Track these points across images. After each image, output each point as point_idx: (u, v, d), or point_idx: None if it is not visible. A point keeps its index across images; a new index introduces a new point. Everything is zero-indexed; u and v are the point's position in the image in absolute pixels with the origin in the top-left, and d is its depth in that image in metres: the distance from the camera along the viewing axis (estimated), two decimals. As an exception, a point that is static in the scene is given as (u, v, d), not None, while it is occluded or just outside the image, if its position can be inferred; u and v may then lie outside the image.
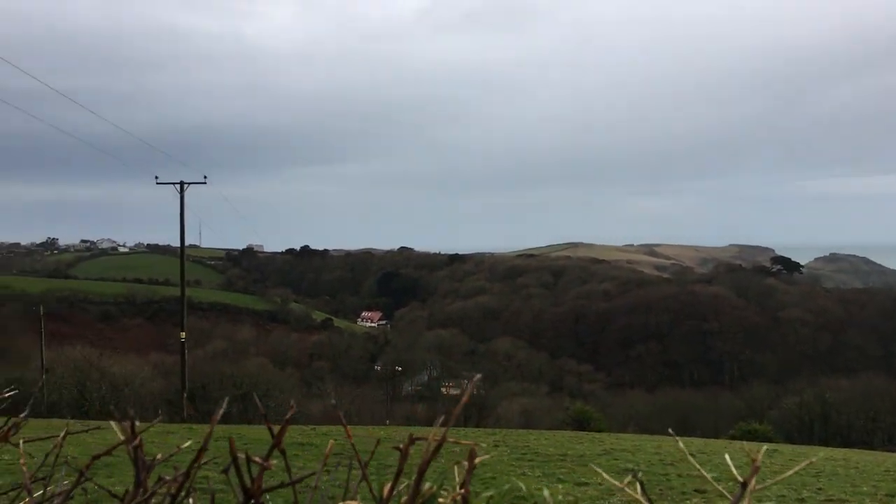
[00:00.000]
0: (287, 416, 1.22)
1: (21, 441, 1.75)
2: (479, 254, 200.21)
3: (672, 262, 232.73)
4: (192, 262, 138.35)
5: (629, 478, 1.32)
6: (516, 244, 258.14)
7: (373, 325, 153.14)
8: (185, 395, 41.82)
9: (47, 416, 34.73)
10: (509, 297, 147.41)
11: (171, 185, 42.72)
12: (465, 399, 1.16)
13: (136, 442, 1.21)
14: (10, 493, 1.76)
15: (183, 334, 42.43)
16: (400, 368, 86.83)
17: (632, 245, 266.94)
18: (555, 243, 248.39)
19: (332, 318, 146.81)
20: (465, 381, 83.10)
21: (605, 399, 78.34)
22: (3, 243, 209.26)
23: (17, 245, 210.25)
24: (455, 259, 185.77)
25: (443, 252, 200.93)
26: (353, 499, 1.27)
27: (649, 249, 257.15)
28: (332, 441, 1.83)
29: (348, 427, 1.36)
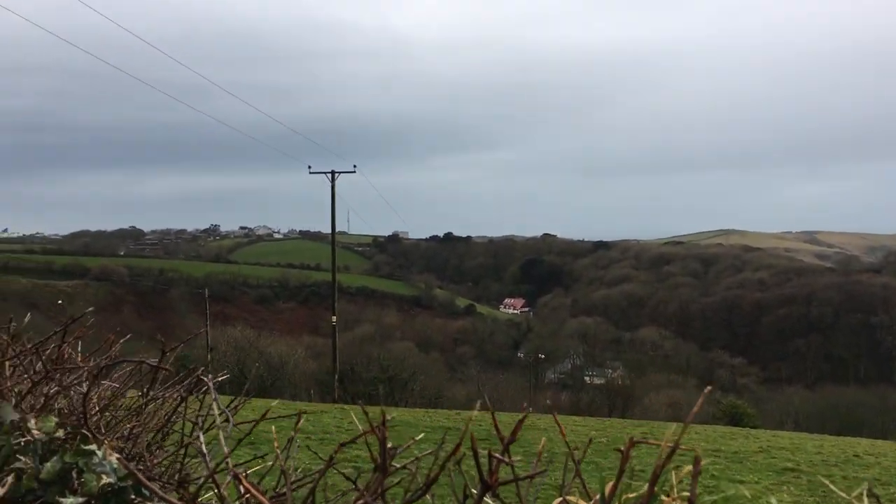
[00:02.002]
0: (520, 419, 1.32)
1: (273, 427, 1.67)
2: (624, 241, 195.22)
3: (835, 250, 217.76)
4: (342, 249, 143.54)
5: (860, 491, 1.31)
6: (663, 231, 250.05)
7: (515, 311, 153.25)
8: (337, 376, 43.33)
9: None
10: (655, 285, 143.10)
11: (323, 175, 44.29)
12: (696, 409, 1.19)
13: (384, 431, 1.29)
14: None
15: (334, 318, 43.96)
16: (543, 356, 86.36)
17: (790, 232, 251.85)
18: (705, 230, 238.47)
19: (475, 304, 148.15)
20: (610, 371, 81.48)
21: (759, 394, 74.55)
22: (171, 230, 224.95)
23: (184, 231, 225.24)
24: (599, 246, 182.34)
25: (587, 239, 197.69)
26: (569, 495, 1.33)
27: (809, 237, 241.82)
28: (544, 438, 1.66)
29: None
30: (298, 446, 1.94)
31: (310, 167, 44.38)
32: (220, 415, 1.74)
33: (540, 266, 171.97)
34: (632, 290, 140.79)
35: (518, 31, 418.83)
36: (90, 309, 2.27)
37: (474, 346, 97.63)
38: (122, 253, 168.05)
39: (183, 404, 2.20)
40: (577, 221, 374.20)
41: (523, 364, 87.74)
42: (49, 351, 2.17)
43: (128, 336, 2.72)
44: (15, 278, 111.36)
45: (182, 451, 2.15)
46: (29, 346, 2.15)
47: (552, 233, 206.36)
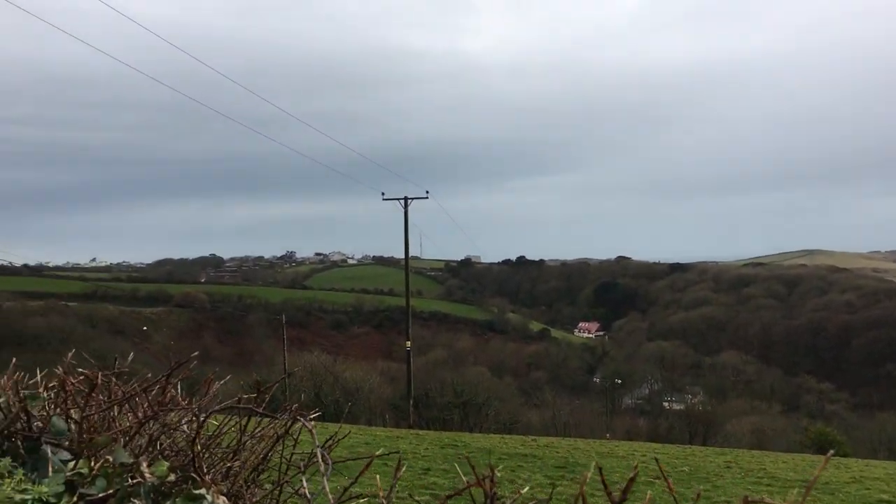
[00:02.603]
0: (630, 478, 1.30)
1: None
2: (701, 262, 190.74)
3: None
4: (414, 273, 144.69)
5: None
6: (742, 252, 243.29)
7: (590, 335, 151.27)
8: (412, 402, 43.47)
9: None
10: (735, 308, 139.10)
11: (396, 201, 44.82)
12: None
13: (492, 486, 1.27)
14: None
15: (408, 343, 44.19)
16: (619, 381, 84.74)
17: (878, 252, 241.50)
18: (787, 251, 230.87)
19: (549, 328, 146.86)
20: (689, 396, 79.33)
21: (849, 421, 71.29)
22: (249, 257, 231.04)
23: (261, 258, 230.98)
24: (676, 268, 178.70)
25: (662, 261, 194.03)
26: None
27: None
28: (636, 464, 1.62)
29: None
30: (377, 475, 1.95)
31: (383, 194, 44.98)
32: (317, 454, 1.77)
33: (615, 289, 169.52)
34: (711, 314, 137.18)
35: (588, 54, 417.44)
36: (195, 354, 2.35)
37: (548, 371, 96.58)
38: (202, 280, 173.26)
39: (283, 441, 2.25)
40: (651, 243, 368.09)
41: (599, 389, 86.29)
42: (154, 392, 2.26)
43: (217, 371, 2.79)
44: (103, 305, 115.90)
45: (278, 490, 2.19)
46: (137, 387, 2.24)
47: (626, 255, 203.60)
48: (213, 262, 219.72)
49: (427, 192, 45.01)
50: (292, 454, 2.34)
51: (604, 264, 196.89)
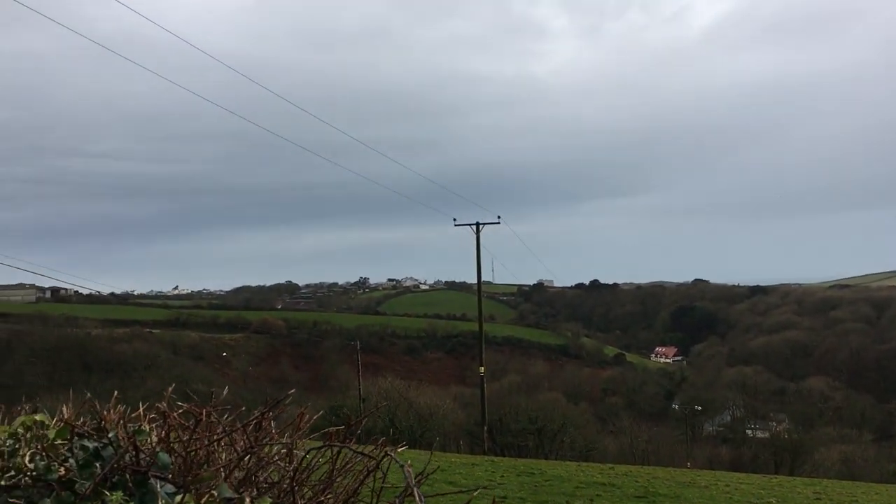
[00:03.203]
0: None
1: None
2: (783, 285, 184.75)
3: None
4: (486, 298, 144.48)
5: None
6: (827, 273, 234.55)
7: (667, 360, 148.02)
8: (486, 428, 43.22)
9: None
10: (822, 332, 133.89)
11: (468, 226, 44.97)
12: None
13: None
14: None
15: (482, 369, 44.06)
16: (699, 407, 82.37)
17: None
18: (874, 272, 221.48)
19: (624, 353, 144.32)
20: (774, 423, 76.51)
21: (948, 450, 67.43)
22: (324, 283, 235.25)
23: (336, 284, 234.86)
24: (756, 291, 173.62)
25: (742, 283, 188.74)
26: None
27: None
28: None
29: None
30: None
31: (455, 219, 45.19)
32: (414, 494, 1.80)
33: (692, 313, 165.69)
34: (795, 338, 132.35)
35: (659, 73, 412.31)
36: (292, 391, 2.42)
37: (625, 397, 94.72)
38: (279, 306, 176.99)
39: (371, 474, 2.29)
40: (730, 266, 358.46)
41: (678, 416, 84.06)
42: (251, 427, 2.34)
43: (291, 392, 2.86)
44: (185, 332, 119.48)
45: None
46: (237, 423, 2.32)
47: (703, 278, 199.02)
48: (289, 288, 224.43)
49: (499, 216, 45.04)
50: (382, 488, 2.38)
51: (680, 287, 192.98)
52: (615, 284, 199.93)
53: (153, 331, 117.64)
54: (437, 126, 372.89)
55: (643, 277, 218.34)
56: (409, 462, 2.04)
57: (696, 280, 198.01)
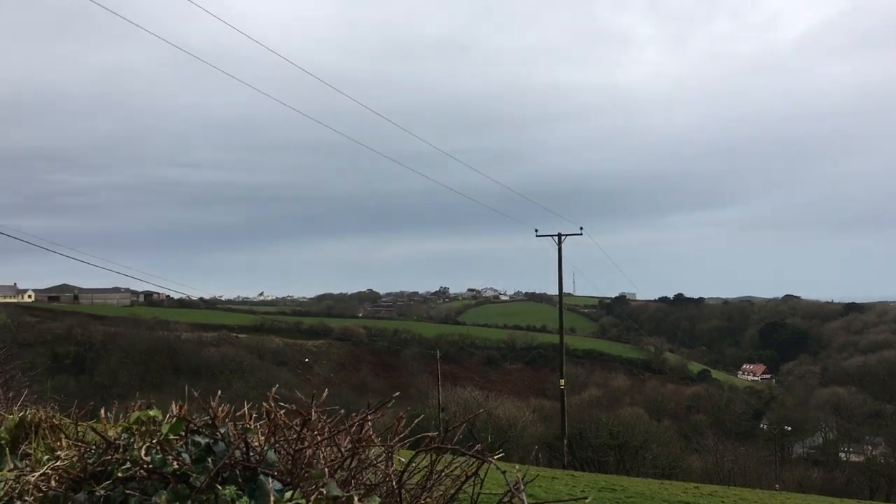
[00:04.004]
0: None
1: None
2: (881, 302, 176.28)
3: None
4: (567, 310, 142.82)
5: None
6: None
7: (755, 378, 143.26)
8: (566, 441, 42.73)
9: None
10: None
11: (549, 237, 44.68)
12: None
13: None
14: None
15: (562, 382, 43.61)
16: (789, 428, 79.29)
17: None
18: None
19: (710, 369, 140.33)
20: (870, 447, 73.00)
21: None
22: (404, 292, 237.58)
23: (416, 294, 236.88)
24: (851, 308, 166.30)
25: (836, 301, 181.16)
26: None
27: None
28: None
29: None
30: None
31: (536, 230, 44.97)
32: (516, 496, 1.80)
33: (782, 330, 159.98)
34: (893, 358, 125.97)
35: (747, 82, 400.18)
36: (397, 394, 2.46)
37: (710, 415, 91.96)
38: (360, 314, 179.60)
39: (469, 479, 2.30)
40: (823, 282, 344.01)
41: (766, 436, 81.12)
42: (354, 428, 2.39)
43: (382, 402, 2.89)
44: (269, 338, 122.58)
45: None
46: (341, 424, 2.38)
47: (795, 294, 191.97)
48: (371, 296, 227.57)
49: (581, 228, 44.59)
50: (479, 494, 2.38)
51: (769, 303, 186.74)
52: (701, 299, 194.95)
53: (239, 335, 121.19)
54: (519, 137, 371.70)
55: (730, 292, 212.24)
56: (514, 470, 2.04)
57: (786, 296, 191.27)
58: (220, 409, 2.64)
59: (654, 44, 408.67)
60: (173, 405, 2.60)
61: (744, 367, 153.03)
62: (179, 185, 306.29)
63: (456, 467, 2.50)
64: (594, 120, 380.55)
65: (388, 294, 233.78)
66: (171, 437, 2.24)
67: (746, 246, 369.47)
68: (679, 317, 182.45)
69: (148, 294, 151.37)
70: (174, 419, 2.31)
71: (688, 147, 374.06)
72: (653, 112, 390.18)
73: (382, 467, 2.37)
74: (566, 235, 44.35)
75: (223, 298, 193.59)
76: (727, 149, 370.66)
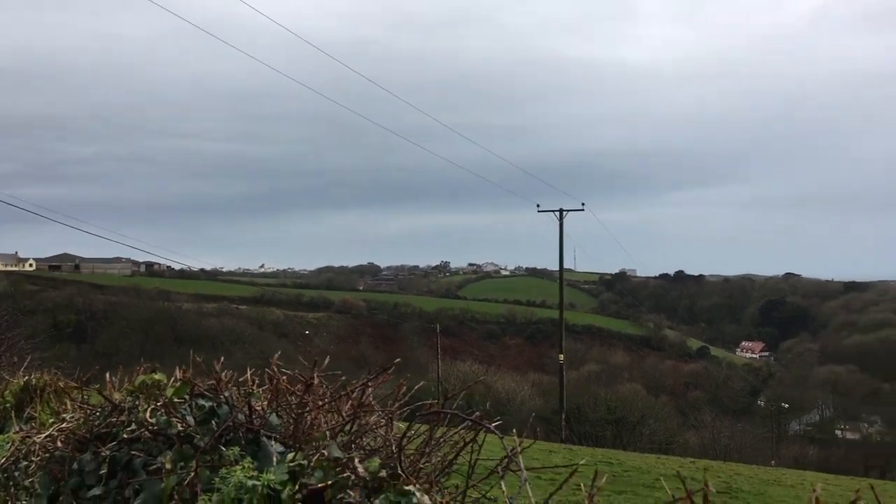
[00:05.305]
0: None
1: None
2: (881, 282, 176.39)
3: None
4: (567, 286, 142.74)
5: None
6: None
7: (754, 356, 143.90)
8: (564, 416, 43.03)
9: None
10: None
11: (551, 213, 44.67)
12: None
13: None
14: None
15: (561, 357, 43.83)
16: (786, 405, 79.88)
17: None
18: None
19: (709, 346, 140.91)
20: (866, 425, 73.62)
21: None
22: (405, 266, 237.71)
23: (417, 268, 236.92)
24: (852, 287, 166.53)
25: (836, 279, 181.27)
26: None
27: None
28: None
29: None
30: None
31: (538, 206, 44.96)
32: (517, 462, 1.84)
33: (782, 308, 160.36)
34: (892, 337, 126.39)
35: (757, 60, 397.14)
36: (398, 360, 2.49)
37: (707, 391, 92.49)
38: (360, 287, 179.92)
39: (467, 445, 2.35)
40: (824, 260, 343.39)
41: (763, 413, 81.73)
42: (355, 394, 2.43)
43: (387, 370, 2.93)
44: (269, 309, 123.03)
45: (462, 495, 2.28)
46: (342, 390, 2.42)
47: (795, 272, 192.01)
48: (371, 270, 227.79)
49: (583, 203, 44.55)
50: (476, 460, 2.43)
51: (770, 281, 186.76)
52: (701, 276, 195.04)
53: (240, 307, 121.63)
54: (523, 111, 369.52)
55: (731, 270, 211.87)
56: (513, 437, 2.08)
57: (787, 274, 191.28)
58: (223, 374, 2.68)
59: (663, 19, 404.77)
60: (177, 370, 2.64)
61: (742, 344, 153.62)
62: (182, 156, 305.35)
63: (454, 433, 2.54)
64: (600, 95, 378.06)
65: (389, 268, 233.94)
66: (176, 399, 2.28)
67: (748, 224, 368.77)
68: (679, 294, 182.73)
69: (149, 265, 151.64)
70: (179, 383, 2.35)
71: (693, 125, 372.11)
72: (660, 88, 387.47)
73: (382, 433, 2.41)
74: (568, 211, 44.36)
75: (224, 270, 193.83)
76: (731, 128, 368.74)
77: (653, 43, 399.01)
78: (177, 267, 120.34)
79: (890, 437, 64.95)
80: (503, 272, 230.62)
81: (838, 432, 75.99)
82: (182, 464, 1.92)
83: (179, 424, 2.12)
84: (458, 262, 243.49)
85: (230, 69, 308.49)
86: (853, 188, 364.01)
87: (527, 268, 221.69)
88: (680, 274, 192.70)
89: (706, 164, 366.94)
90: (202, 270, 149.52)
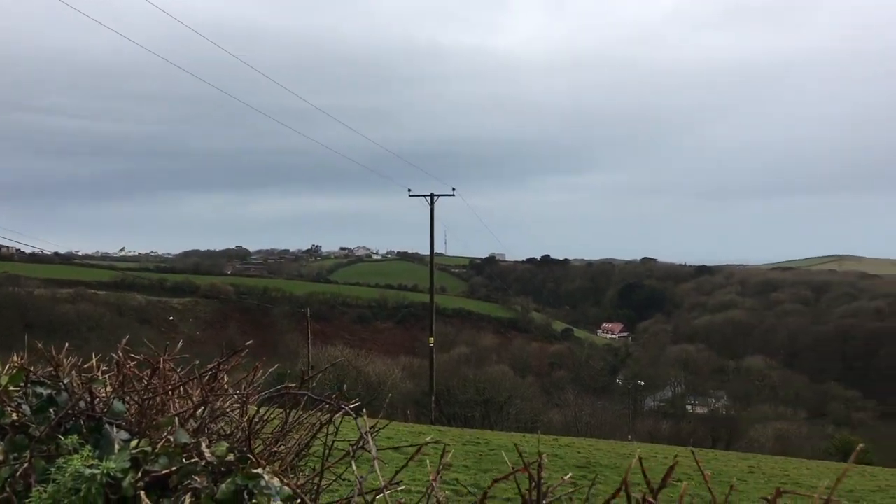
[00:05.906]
0: (670, 467, 1.32)
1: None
2: (728, 265, 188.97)
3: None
4: (439, 270, 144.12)
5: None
6: (770, 256, 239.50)
7: (614, 336, 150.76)
8: (434, 398, 43.59)
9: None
10: (762, 312, 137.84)
11: (422, 198, 44.92)
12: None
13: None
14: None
15: (431, 340, 44.32)
16: (642, 383, 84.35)
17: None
18: (815, 256, 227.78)
19: (573, 328, 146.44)
20: (713, 400, 78.80)
21: (876, 430, 70.44)
22: (275, 250, 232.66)
23: (287, 251, 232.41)
24: (702, 271, 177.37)
25: (689, 263, 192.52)
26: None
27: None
28: (685, 483, 1.69)
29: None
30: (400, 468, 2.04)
31: (409, 190, 45.07)
32: (367, 440, 1.86)
33: (639, 291, 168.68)
34: (737, 317, 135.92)
35: (623, 52, 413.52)
36: (250, 342, 2.45)
37: (571, 371, 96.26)
38: (228, 272, 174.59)
39: (323, 428, 2.34)
40: (678, 245, 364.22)
41: (621, 391, 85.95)
42: (206, 378, 2.37)
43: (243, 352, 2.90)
44: (131, 295, 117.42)
45: (319, 476, 2.29)
46: (192, 374, 2.35)
47: (652, 256, 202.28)
48: (240, 254, 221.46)
49: (453, 189, 45.03)
50: (333, 441, 2.43)
51: (629, 265, 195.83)
52: (566, 260, 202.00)
53: (98, 292, 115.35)
54: (395, 96, 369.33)
55: (594, 254, 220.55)
56: (366, 419, 2.10)
57: (644, 258, 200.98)
58: (66, 360, 2.56)
59: (532, 8, 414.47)
60: (14, 356, 2.49)
61: (603, 325, 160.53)
62: (33, 132, 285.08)
63: (312, 416, 2.54)
64: (471, 83, 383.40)
65: (259, 251, 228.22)
66: (11, 388, 2.16)
67: (610, 210, 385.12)
68: (545, 277, 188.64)
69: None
70: (14, 370, 2.22)
71: (559, 113, 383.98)
72: (528, 77, 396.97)
73: (236, 417, 2.37)
74: (439, 196, 44.70)
75: (80, 253, 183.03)
76: (596, 116, 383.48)
77: (522, 32, 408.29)
78: (27, 250, 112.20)
79: (734, 410, 69.83)
80: (375, 256, 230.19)
81: (689, 407, 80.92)
82: (15, 454, 1.82)
83: (14, 414, 2.00)
84: (329, 245, 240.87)
85: (92, 44, 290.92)
86: (708, 176, 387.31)
87: (399, 252, 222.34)
88: (546, 258, 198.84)
89: (573, 153, 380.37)
90: (56, 254, 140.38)
